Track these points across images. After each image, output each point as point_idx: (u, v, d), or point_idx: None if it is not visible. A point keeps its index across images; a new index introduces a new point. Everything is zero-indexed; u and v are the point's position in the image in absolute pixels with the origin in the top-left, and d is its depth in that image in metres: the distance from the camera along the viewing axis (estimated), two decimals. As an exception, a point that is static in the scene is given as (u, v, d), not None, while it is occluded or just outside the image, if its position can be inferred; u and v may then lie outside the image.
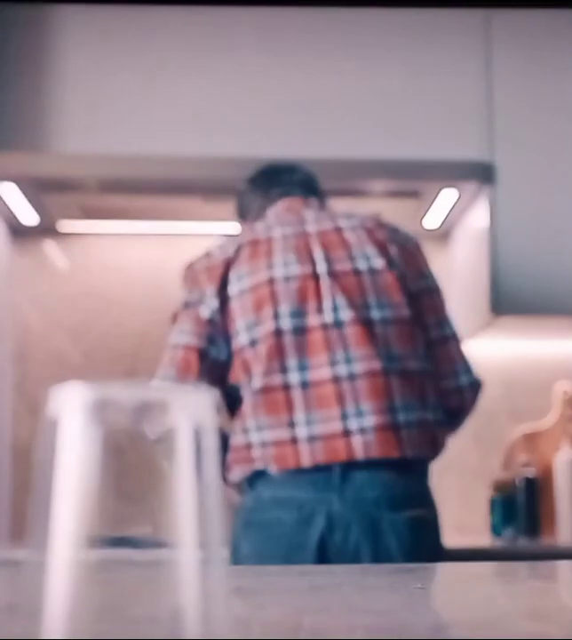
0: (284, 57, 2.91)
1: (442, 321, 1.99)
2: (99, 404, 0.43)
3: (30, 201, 2.84)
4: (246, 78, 2.90)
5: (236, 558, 1.85)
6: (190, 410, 0.44)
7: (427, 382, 1.92)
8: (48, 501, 0.43)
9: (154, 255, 3.16)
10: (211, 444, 0.46)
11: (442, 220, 2.99)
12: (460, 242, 3.05)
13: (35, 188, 2.79)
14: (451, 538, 2.44)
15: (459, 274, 3.05)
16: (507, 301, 2.82)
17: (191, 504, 0.43)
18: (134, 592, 0.43)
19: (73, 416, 0.43)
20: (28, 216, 2.99)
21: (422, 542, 1.87)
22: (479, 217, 2.86)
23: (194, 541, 0.43)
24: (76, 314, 3.15)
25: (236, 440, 1.88)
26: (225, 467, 1.91)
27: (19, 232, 3.10)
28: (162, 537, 0.43)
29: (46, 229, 3.09)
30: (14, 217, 3.00)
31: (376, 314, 1.88)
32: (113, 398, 0.43)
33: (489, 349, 3.12)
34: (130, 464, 0.44)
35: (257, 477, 1.85)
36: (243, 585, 1.31)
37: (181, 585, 0.43)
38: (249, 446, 1.85)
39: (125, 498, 0.43)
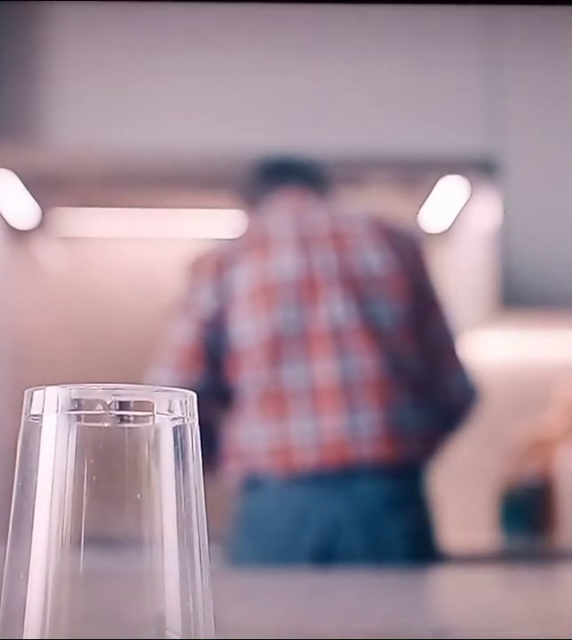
0: (284, 50, 2.90)
1: (443, 325, 1.98)
2: (78, 406, 0.43)
3: (28, 195, 2.83)
4: (246, 71, 2.89)
5: (236, 560, 1.85)
6: (172, 410, 0.44)
7: (427, 385, 1.92)
8: (28, 503, 0.42)
9: (152, 256, 3.16)
10: (194, 444, 0.45)
11: (446, 213, 2.98)
12: (465, 234, 3.04)
13: (33, 182, 2.79)
14: (455, 539, 2.43)
15: (465, 267, 3.04)
16: (519, 294, 2.81)
17: (174, 504, 0.43)
18: (116, 593, 0.43)
19: (51, 417, 0.43)
20: (26, 215, 2.98)
21: (420, 545, 1.86)
22: (484, 209, 2.85)
23: (178, 542, 0.43)
24: (75, 315, 3.14)
25: (233, 440, 1.87)
26: (220, 465, 1.90)
27: (16, 232, 3.09)
28: (144, 537, 0.42)
29: (44, 230, 3.08)
30: (12, 216, 2.99)
31: (376, 314, 1.87)
32: (92, 399, 0.43)
33: (498, 343, 3.11)
34: (111, 464, 0.43)
35: (254, 479, 1.84)
36: (243, 587, 1.31)
37: (165, 586, 0.42)
38: (246, 447, 1.85)
39: (106, 498, 0.42)
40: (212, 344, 1.87)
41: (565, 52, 2.91)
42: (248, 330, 1.84)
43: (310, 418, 1.81)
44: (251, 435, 1.83)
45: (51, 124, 2.85)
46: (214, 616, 0.88)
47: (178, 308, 1.91)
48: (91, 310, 3.13)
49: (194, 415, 0.45)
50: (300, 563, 1.76)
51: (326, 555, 1.78)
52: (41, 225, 3.05)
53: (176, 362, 1.86)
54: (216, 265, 1.89)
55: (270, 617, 0.89)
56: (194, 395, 0.46)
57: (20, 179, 2.75)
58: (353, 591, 1.17)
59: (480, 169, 2.78)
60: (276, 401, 1.82)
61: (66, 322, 3.12)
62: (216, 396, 1.88)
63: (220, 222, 2.81)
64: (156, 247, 3.13)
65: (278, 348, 1.83)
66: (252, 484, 1.84)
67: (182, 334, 1.87)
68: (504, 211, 2.82)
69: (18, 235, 3.08)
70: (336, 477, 1.80)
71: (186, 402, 0.45)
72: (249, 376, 1.84)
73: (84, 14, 2.88)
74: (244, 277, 1.86)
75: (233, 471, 1.87)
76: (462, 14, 2.92)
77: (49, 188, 2.86)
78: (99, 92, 2.86)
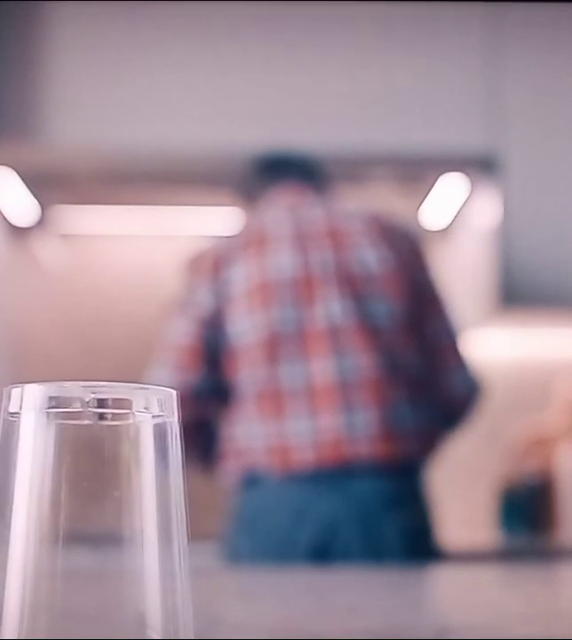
0: (283, 47, 2.90)
1: (443, 321, 1.97)
2: (56, 403, 0.42)
3: (27, 192, 2.83)
4: (246, 68, 2.88)
5: (234, 557, 1.84)
6: (152, 408, 0.44)
7: (425, 382, 1.91)
8: (7, 501, 0.42)
9: (151, 253, 3.15)
10: (175, 442, 0.45)
11: (446, 210, 2.98)
12: (465, 232, 3.03)
13: (33, 179, 2.78)
14: (455, 536, 2.42)
15: (465, 264, 3.03)
16: (519, 292, 2.80)
17: (154, 503, 0.43)
18: (96, 591, 0.43)
19: (30, 415, 0.43)
20: (26, 213, 2.98)
21: (418, 543, 1.86)
22: (485, 207, 2.85)
23: (158, 540, 0.43)
24: (74, 312, 3.14)
25: (231, 438, 1.86)
26: (218, 463, 1.90)
27: (16, 229, 3.09)
28: (124, 536, 0.42)
29: (43, 227, 3.08)
30: (11, 214, 2.99)
31: (375, 312, 1.86)
32: (71, 397, 0.42)
33: (498, 341, 3.11)
34: (90, 462, 0.43)
35: (252, 477, 1.84)
36: (241, 584, 1.30)
37: (145, 584, 0.42)
38: (244, 445, 1.84)
39: (85, 496, 0.42)
40: (211, 342, 1.86)
41: (565, 50, 2.91)
42: (245, 328, 1.84)
43: (307, 416, 1.80)
44: (249, 433, 1.83)
45: (51, 121, 2.84)
46: (212, 613, 0.87)
47: (176, 307, 1.91)
48: (90, 307, 3.12)
49: (174, 413, 0.45)
50: (298, 561, 1.75)
51: (323, 553, 1.78)
52: (40, 222, 3.05)
53: (175, 360, 1.86)
54: (213, 263, 1.88)
55: (268, 615, 0.89)
56: (174, 392, 0.46)
57: (20, 176, 2.75)
58: (352, 589, 1.16)
59: (481, 166, 2.78)
60: (274, 399, 1.82)
61: (65, 319, 3.12)
62: (214, 394, 1.88)
63: (219, 219, 2.81)
64: (155, 244, 3.13)
65: (275, 346, 1.82)
66: (251, 481, 1.84)
67: (181, 333, 1.86)
68: (505, 208, 2.82)
69: (17, 232, 3.08)
70: (333, 476, 1.80)
71: (166, 400, 0.44)
72: (246, 374, 1.84)
73: (84, 13, 2.87)
74: (242, 275, 1.86)
75: (231, 469, 1.86)
76: (462, 12, 2.91)
77: (48, 185, 2.86)
78: (99, 89, 2.86)
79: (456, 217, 3.02)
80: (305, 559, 1.77)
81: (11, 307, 3.09)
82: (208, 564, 2.07)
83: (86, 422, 0.42)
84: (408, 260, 1.92)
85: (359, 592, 1.13)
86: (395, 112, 2.87)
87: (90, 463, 0.42)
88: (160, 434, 0.43)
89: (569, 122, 2.89)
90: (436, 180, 2.80)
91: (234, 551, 1.85)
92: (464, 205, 2.94)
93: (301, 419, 1.81)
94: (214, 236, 2.02)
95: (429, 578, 1.46)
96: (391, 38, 2.90)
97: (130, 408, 0.43)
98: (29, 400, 0.43)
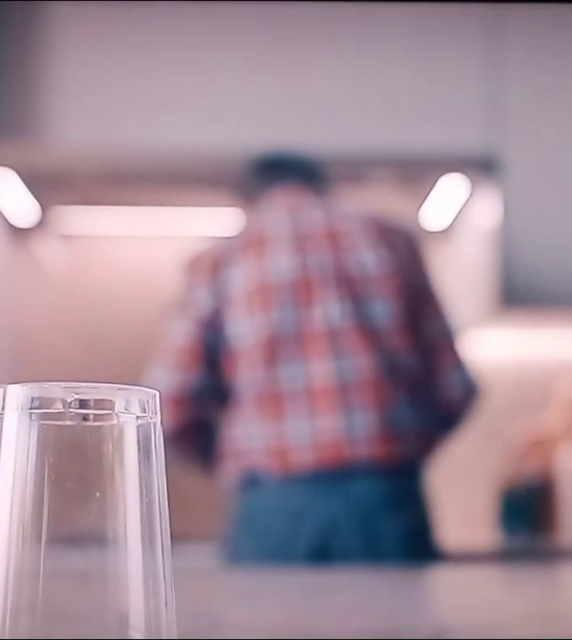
0: (283, 47, 2.90)
1: (441, 322, 1.97)
2: (39, 404, 0.42)
3: (28, 192, 2.83)
4: (246, 68, 2.88)
5: (234, 558, 1.84)
6: (135, 408, 0.44)
7: (425, 383, 1.91)
8: None
9: (151, 253, 3.15)
10: (158, 442, 0.45)
11: (446, 211, 2.98)
12: (465, 232, 3.03)
13: (33, 180, 2.79)
14: (455, 537, 2.42)
15: (465, 265, 3.03)
16: (519, 292, 2.80)
17: (137, 503, 0.43)
18: (79, 592, 0.43)
19: (12, 415, 0.42)
20: (26, 213, 2.98)
21: (418, 544, 1.86)
22: (485, 208, 2.85)
23: (141, 541, 0.43)
24: (74, 312, 3.14)
25: (231, 440, 1.86)
26: (218, 464, 1.90)
27: (17, 230, 3.09)
28: (107, 536, 0.42)
29: (44, 228, 3.08)
30: (12, 214, 2.99)
31: (373, 314, 1.86)
32: (53, 397, 0.42)
33: (498, 341, 3.10)
34: (73, 463, 0.43)
35: (251, 478, 1.84)
36: (241, 585, 1.30)
37: (129, 585, 0.42)
38: (243, 447, 1.84)
39: (68, 497, 0.42)
40: (210, 343, 1.86)
41: (565, 50, 2.91)
42: (245, 330, 1.84)
43: (307, 418, 1.80)
44: (249, 434, 1.83)
45: (52, 121, 2.84)
46: (212, 613, 0.87)
47: (176, 308, 1.91)
48: (90, 308, 3.12)
49: (157, 414, 0.45)
50: (297, 562, 1.75)
51: (323, 553, 1.78)
52: (41, 223, 3.05)
53: (174, 361, 1.86)
54: (212, 264, 1.88)
55: (268, 615, 0.89)
56: (157, 393, 0.45)
57: (20, 176, 2.75)
58: (352, 590, 1.16)
59: (481, 167, 2.78)
60: (273, 401, 1.82)
61: (66, 319, 3.12)
62: (214, 395, 1.88)
63: (219, 220, 2.81)
64: (156, 245, 3.13)
65: (275, 348, 1.82)
66: (250, 483, 1.84)
67: (180, 334, 1.87)
68: (505, 209, 2.82)
69: (18, 233, 3.08)
70: (332, 477, 1.80)
71: (149, 400, 0.44)
72: (246, 376, 1.84)
73: (85, 12, 2.87)
74: (240, 277, 1.86)
75: (231, 470, 1.86)
76: (463, 12, 2.91)
77: (49, 185, 2.86)
78: (99, 90, 2.86)
79: (457, 217, 3.02)
80: (305, 560, 1.77)
81: (11, 307, 3.09)
82: (208, 565, 2.07)
83: (69, 423, 0.42)
84: (406, 261, 1.92)
85: (359, 592, 1.13)
86: (395, 113, 2.87)
87: (73, 464, 0.42)
88: (143, 435, 0.43)
89: (569, 122, 2.89)
90: (436, 180, 2.79)
91: (233, 552, 1.85)
92: (464, 206, 2.94)
93: (300, 420, 1.81)
94: (213, 237, 2.02)
95: (429, 578, 1.46)
96: (391, 38, 2.90)
97: (112, 409, 0.43)
98: (12, 400, 0.42)
